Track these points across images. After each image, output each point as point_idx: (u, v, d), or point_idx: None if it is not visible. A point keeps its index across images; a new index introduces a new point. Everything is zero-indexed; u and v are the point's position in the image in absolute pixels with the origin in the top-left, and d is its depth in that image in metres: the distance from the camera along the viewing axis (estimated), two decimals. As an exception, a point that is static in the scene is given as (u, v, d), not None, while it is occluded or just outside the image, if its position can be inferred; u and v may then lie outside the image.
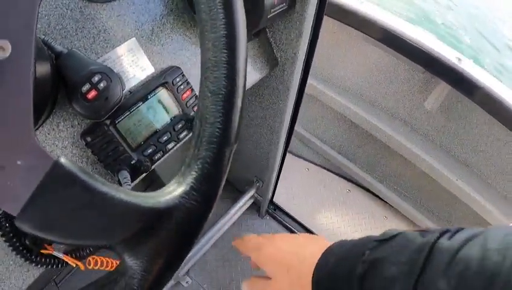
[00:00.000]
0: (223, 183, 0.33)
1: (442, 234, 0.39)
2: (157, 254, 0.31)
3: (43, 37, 0.51)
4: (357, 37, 1.55)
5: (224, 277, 1.51)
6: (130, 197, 0.30)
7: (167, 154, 0.64)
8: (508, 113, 1.30)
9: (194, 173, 0.32)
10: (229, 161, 0.34)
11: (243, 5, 0.34)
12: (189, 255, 1.60)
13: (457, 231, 0.39)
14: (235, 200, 1.55)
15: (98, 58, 0.58)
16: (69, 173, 0.27)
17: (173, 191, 0.31)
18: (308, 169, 1.94)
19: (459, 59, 1.37)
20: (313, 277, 0.47)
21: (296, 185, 1.84)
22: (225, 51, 0.32)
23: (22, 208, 0.27)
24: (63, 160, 0.28)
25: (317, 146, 1.94)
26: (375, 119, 1.65)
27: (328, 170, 1.95)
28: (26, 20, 0.27)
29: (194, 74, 0.69)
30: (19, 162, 0.27)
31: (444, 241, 0.38)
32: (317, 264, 0.47)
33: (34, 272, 0.57)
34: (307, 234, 0.57)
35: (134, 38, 0.61)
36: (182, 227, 0.32)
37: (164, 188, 0.33)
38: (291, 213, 1.67)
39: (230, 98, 0.33)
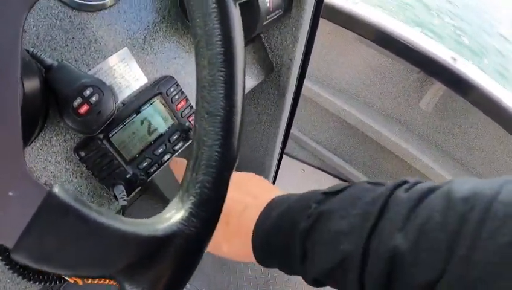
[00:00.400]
0: (223, 207, 0.32)
1: (398, 185, 0.36)
2: (157, 282, 0.30)
3: (31, 49, 0.49)
4: (352, 38, 1.54)
5: (222, 281, 1.50)
6: (127, 225, 0.28)
7: (163, 166, 0.62)
8: (503, 112, 1.30)
9: (192, 198, 0.30)
10: (228, 184, 0.32)
11: (240, 18, 0.33)
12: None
13: (416, 183, 0.35)
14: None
15: (90, 69, 0.56)
16: (63, 203, 0.26)
17: (171, 217, 0.30)
18: (303, 170, 1.93)
19: (454, 59, 1.36)
20: (253, 233, 0.43)
21: (292, 187, 1.81)
22: (222, 69, 0.31)
23: (16, 240, 0.25)
24: (56, 190, 0.26)
25: (312, 147, 1.93)
26: (370, 120, 1.64)
27: (323, 171, 1.94)
28: (10, 38, 0.26)
29: (188, 83, 0.67)
30: (10, 193, 0.26)
31: (401, 193, 0.34)
32: (258, 219, 0.43)
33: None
34: (256, 178, 0.52)
35: (126, 48, 0.60)
36: (182, 254, 0.30)
37: (162, 213, 0.31)
38: None
39: (229, 119, 0.31)
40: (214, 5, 0.30)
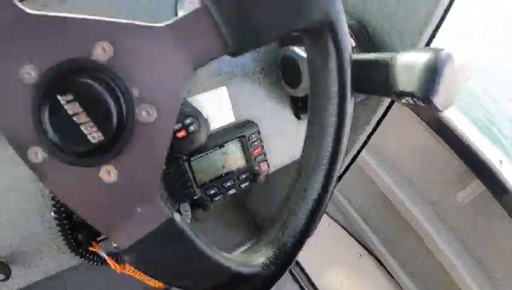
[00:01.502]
0: (296, 259, 0.40)
1: None
2: None
3: None
4: (411, 116, 1.60)
5: None
6: (223, 260, 0.36)
7: (226, 197, 0.69)
8: None
9: (275, 250, 0.38)
10: (303, 246, 0.40)
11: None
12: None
13: None
14: (248, 238, 1.59)
15: (189, 96, 0.64)
16: (181, 230, 0.34)
17: (256, 260, 0.38)
18: (329, 225, 1.95)
19: (501, 162, 1.38)
20: None
21: (313, 240, 1.84)
22: (327, 161, 0.39)
23: (131, 244, 0.32)
24: (177, 218, 0.34)
25: (343, 206, 1.95)
26: (404, 196, 1.67)
27: (347, 231, 1.96)
28: (175, 90, 0.32)
29: (267, 133, 0.74)
30: (138, 209, 0.33)
31: None
32: None
33: (71, 262, 0.62)
34: None
35: (224, 87, 0.67)
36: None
37: (250, 255, 0.39)
38: (301, 263, 1.69)
39: (319, 203, 0.39)
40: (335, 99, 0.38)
